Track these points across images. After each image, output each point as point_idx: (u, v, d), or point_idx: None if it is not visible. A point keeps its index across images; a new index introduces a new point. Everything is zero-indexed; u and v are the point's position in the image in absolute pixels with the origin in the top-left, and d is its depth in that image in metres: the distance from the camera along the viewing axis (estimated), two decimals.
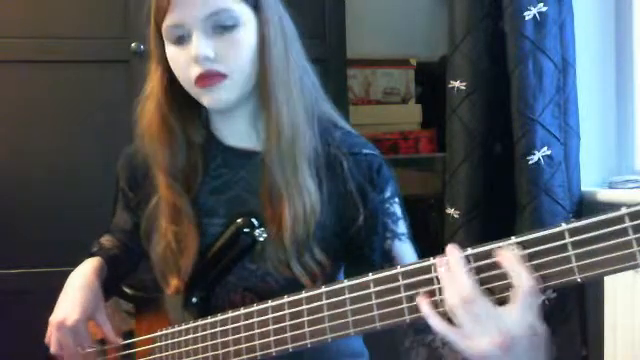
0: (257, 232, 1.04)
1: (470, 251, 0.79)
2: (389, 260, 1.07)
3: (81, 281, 1.13)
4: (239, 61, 1.03)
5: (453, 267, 0.79)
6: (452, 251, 0.80)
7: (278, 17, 1.07)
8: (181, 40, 1.03)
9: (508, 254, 0.76)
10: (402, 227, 1.11)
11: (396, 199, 1.11)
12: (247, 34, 1.03)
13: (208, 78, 1.01)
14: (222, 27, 1.01)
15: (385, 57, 2.52)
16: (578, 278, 0.72)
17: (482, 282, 0.78)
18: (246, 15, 1.03)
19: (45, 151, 1.95)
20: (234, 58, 1.02)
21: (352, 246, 1.11)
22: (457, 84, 1.91)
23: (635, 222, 0.68)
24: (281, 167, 1.05)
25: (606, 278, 1.66)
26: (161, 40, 1.06)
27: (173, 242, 1.09)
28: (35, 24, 1.94)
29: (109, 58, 1.97)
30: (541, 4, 1.78)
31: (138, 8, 1.95)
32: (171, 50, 1.05)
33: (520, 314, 0.75)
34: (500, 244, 0.77)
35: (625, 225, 0.68)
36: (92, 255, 1.21)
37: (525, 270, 0.75)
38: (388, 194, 1.10)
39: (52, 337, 1.10)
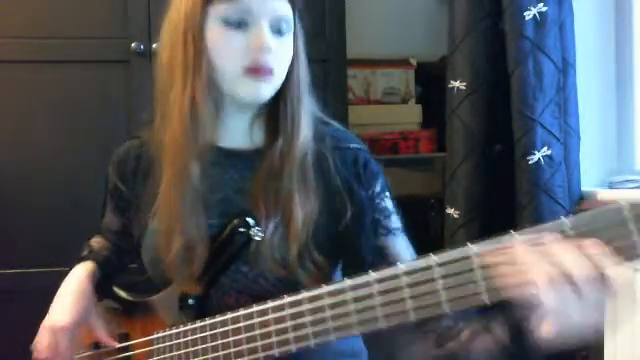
0: (253, 231, 1.05)
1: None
2: (382, 257, 1.07)
3: (73, 287, 1.14)
4: (284, 64, 1.08)
5: (550, 242, 0.74)
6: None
7: (302, 31, 1.12)
8: (240, 25, 1.04)
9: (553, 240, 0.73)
10: (395, 221, 1.11)
11: (387, 193, 1.12)
12: (290, 43, 1.09)
13: (262, 70, 1.04)
14: (279, 31, 1.06)
15: (385, 57, 2.52)
16: None
17: None
18: (292, 27, 1.09)
19: (45, 151, 1.95)
20: (282, 59, 1.07)
21: (342, 244, 1.10)
22: (457, 84, 1.91)
23: (635, 212, 0.69)
24: (297, 171, 1.07)
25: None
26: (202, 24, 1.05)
27: (196, 240, 1.06)
28: (35, 24, 1.94)
29: (109, 58, 1.96)
30: (541, 4, 1.78)
31: (138, 8, 1.99)
32: (223, 32, 1.04)
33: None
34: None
35: (624, 216, 0.69)
36: (83, 259, 1.21)
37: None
38: (378, 189, 1.11)
39: (43, 342, 1.10)
